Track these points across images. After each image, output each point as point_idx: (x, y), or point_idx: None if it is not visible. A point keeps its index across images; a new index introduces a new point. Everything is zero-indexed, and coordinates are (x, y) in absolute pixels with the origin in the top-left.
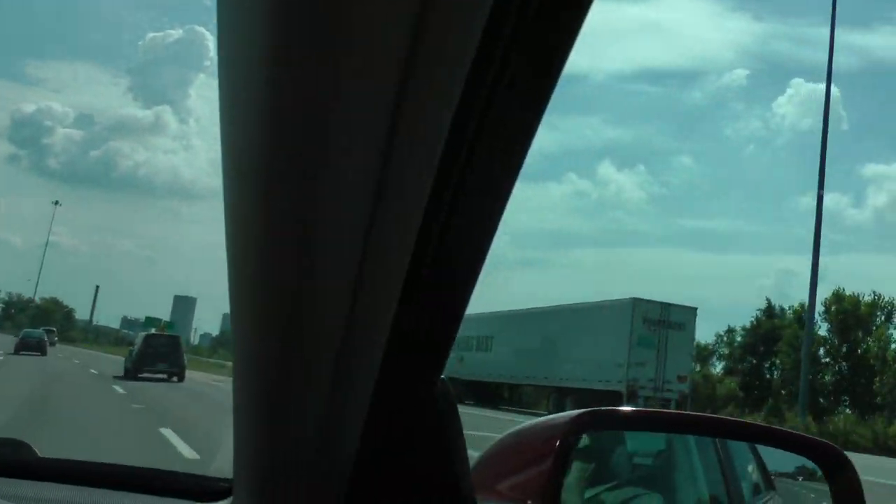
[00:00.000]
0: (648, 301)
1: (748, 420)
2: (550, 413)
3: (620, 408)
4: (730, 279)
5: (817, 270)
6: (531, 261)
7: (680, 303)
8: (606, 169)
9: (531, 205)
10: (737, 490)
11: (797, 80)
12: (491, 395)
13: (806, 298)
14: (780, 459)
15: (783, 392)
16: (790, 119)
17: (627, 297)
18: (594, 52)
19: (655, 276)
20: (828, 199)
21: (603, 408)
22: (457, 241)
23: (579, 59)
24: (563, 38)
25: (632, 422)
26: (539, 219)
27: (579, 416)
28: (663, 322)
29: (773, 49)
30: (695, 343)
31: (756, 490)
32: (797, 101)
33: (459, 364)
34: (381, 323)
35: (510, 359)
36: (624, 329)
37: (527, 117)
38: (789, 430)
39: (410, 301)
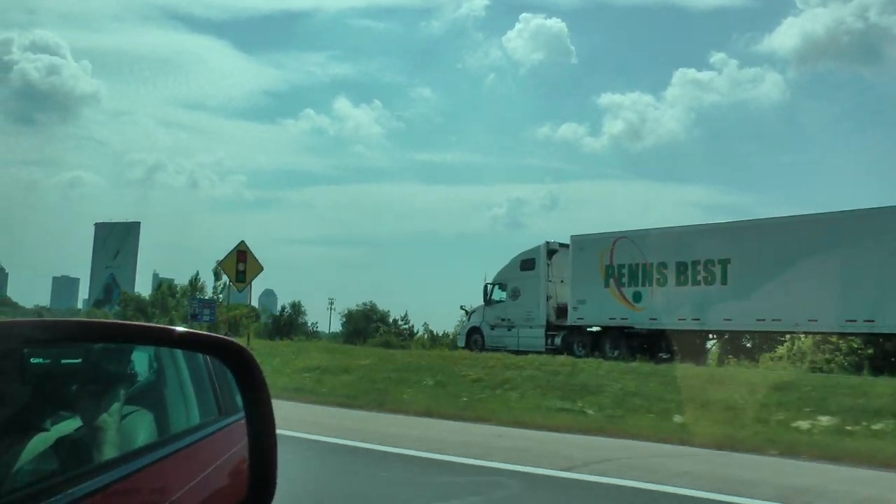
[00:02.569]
0: None
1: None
2: None
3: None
4: (463, 210)
5: None
6: (267, 201)
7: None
8: (343, 104)
9: (266, 144)
10: (229, 404)
11: (525, 15)
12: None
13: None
14: None
15: None
16: (521, 52)
17: None
18: None
19: (389, 210)
20: (564, 129)
21: None
22: None
23: None
24: None
25: (26, 336)
26: (275, 158)
27: None
28: None
29: None
30: None
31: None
32: (527, 35)
33: (633, 307)
34: None
35: (790, 292)
36: None
37: None
38: (190, 330)
39: None
